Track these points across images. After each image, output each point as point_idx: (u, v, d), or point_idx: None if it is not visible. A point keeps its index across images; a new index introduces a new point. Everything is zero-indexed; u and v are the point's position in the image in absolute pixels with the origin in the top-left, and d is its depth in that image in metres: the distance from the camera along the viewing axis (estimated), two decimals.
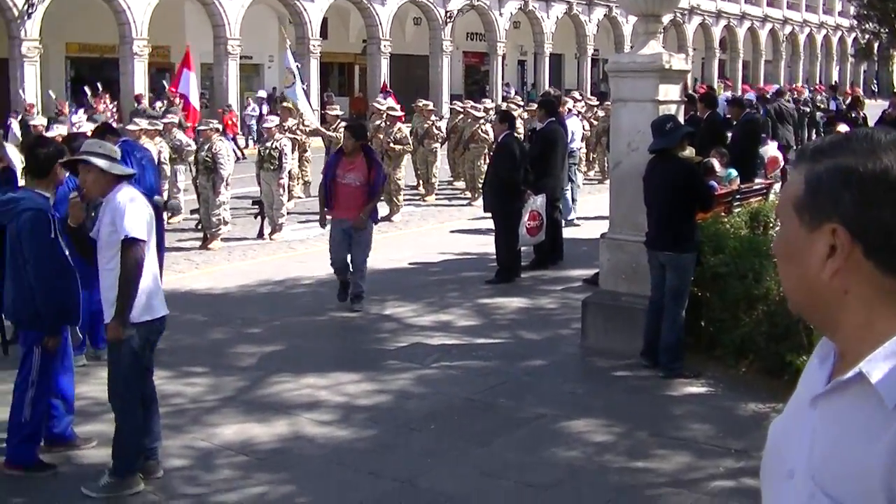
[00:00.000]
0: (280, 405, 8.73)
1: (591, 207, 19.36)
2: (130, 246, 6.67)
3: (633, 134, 9.90)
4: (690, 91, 24.70)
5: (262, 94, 39.63)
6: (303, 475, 7.20)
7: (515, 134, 15.11)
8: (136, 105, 31.84)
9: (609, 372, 9.56)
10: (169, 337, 10.77)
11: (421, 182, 23.38)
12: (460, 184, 24.27)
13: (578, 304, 10.91)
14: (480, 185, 21.90)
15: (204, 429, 8.14)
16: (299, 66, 24.56)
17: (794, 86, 48.82)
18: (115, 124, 18.58)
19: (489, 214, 14.05)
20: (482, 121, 22.03)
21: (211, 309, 12.23)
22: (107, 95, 31.82)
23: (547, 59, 51.53)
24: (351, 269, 12.22)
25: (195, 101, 24.81)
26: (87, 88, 31.87)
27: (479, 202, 21.47)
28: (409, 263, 15.22)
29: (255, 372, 9.70)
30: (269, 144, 18.11)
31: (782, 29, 71.19)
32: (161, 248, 8.93)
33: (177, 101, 26.57)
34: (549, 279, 13.73)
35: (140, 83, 35.17)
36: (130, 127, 17.99)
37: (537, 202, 13.64)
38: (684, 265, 9.16)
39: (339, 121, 21.42)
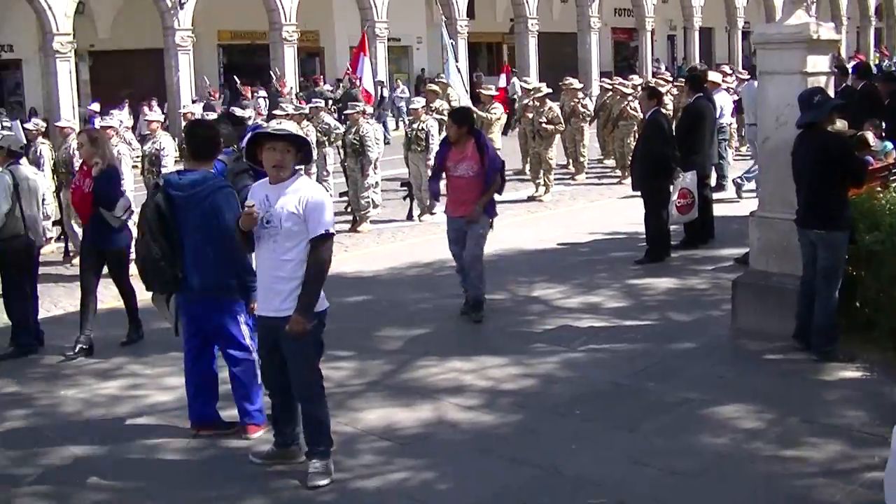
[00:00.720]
0: (424, 389, 8.73)
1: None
2: (326, 241, 6.71)
3: (781, 108, 9.57)
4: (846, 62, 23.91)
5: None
6: (445, 461, 7.17)
7: (663, 110, 14.85)
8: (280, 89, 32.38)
9: (760, 355, 9.28)
10: None
11: (570, 161, 23.21)
12: (610, 162, 24.01)
13: (729, 285, 10.65)
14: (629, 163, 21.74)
15: (348, 413, 8.18)
16: (453, 43, 24.50)
17: None
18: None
19: (638, 193, 13.81)
20: (631, 98, 21.71)
21: (359, 292, 12.31)
22: (283, 80, 32.54)
23: (696, 34, 50.50)
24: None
25: (369, 85, 24.97)
26: (236, 77, 32.64)
27: (629, 180, 21.29)
28: (558, 244, 15.10)
29: (401, 355, 9.73)
30: (415, 126, 18.18)
31: None
32: None
33: (357, 84, 27.01)
34: (700, 258, 13.44)
35: (290, 68, 35.61)
36: (277, 112, 18.23)
37: (687, 179, 13.37)
38: (836, 243, 8.84)
39: (493, 101, 21.35)
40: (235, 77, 33.64)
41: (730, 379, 8.72)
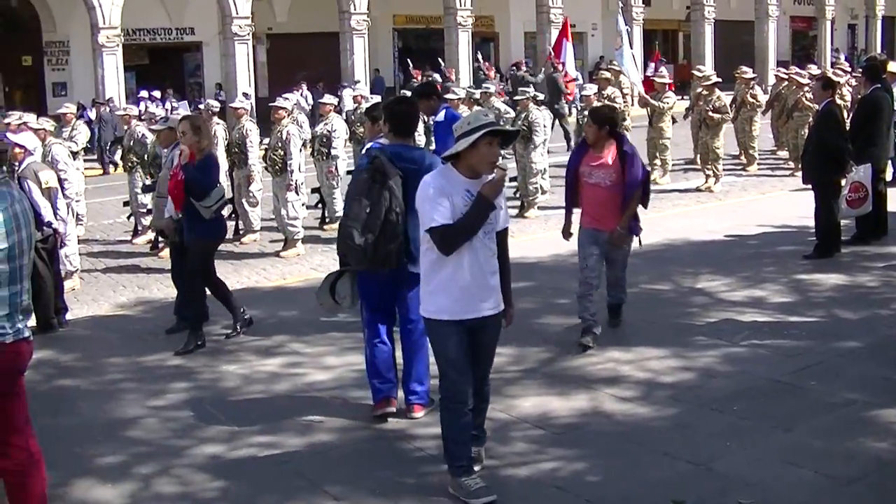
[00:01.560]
0: (581, 379, 8.71)
1: None
2: (507, 233, 6.74)
3: None
4: None
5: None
6: (597, 452, 7.13)
7: (839, 101, 14.45)
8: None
9: None
10: None
11: (741, 151, 22.80)
12: (783, 153, 23.50)
13: None
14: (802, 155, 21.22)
15: (504, 400, 8.17)
16: (628, 29, 24.30)
17: None
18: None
19: (809, 186, 13.48)
20: (807, 88, 21.17)
21: (521, 278, 12.20)
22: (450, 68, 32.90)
23: (879, 23, 48.89)
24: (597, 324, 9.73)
25: (571, 69, 25.01)
26: (409, 61, 32.99)
27: (801, 173, 20.80)
28: (726, 235, 14.86)
29: (560, 344, 9.70)
30: (587, 113, 18.05)
31: None
32: None
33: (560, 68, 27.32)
34: (871, 255, 13.03)
35: (464, 53, 35.83)
36: (448, 96, 18.32)
37: (860, 173, 12.98)
38: None
39: (666, 89, 21.08)
40: (409, 60, 33.99)
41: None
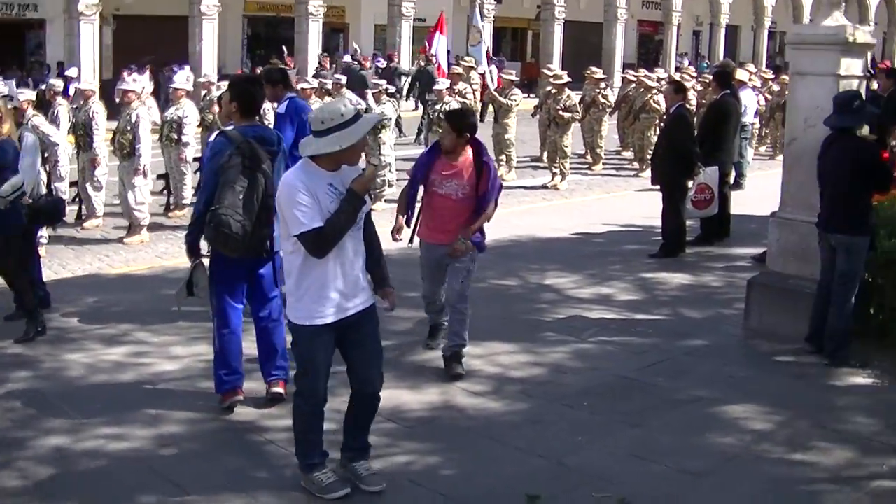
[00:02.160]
0: (432, 373, 8.65)
1: (760, 184, 18.74)
2: (370, 214, 6.60)
3: (810, 109, 9.47)
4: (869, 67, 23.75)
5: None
6: (450, 447, 7.10)
7: (687, 105, 14.75)
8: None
9: (771, 356, 9.21)
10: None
11: (588, 151, 23.11)
12: (628, 154, 23.95)
13: (742, 284, 10.56)
14: (649, 157, 21.63)
15: None
16: (484, 26, 24.35)
17: None
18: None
19: (657, 187, 13.71)
20: (655, 91, 21.60)
21: None
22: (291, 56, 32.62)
23: (723, 31, 50.18)
24: (446, 311, 9.13)
25: (443, 62, 24.88)
26: (284, 48, 32.85)
27: (647, 173, 21.17)
28: (572, 233, 15.04)
29: (409, 337, 9.64)
30: (438, 107, 18.09)
31: None
32: None
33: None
34: (715, 256, 13.37)
35: (314, 43, 35.51)
36: (302, 85, 18.13)
37: (708, 175, 13.27)
38: (857, 248, 8.75)
39: (513, 86, 21.17)
40: (283, 47, 33.64)
41: (740, 379, 8.63)
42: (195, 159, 15.91)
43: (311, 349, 6.26)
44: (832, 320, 8.85)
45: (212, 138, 8.56)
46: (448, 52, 29.14)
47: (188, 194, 16.23)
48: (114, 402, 7.94)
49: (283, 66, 29.66)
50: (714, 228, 14.03)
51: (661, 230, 13.45)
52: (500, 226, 13.47)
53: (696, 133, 13.49)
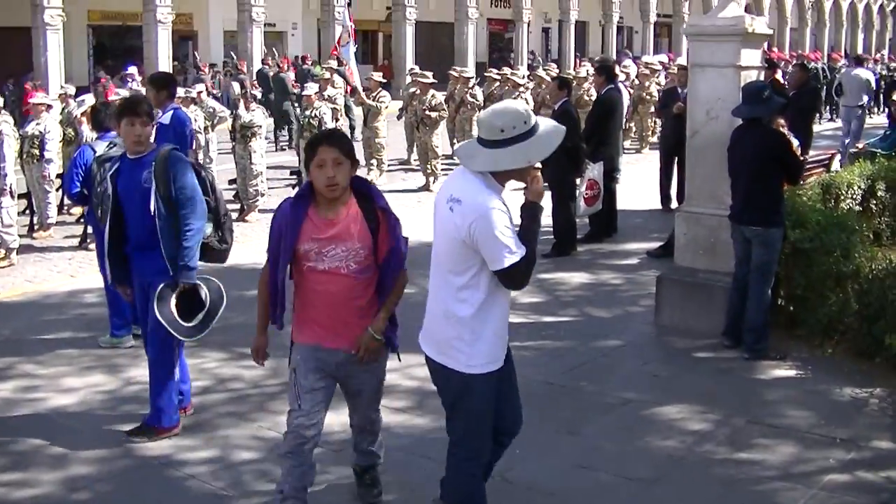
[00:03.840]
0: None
1: (633, 178, 18.70)
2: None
3: (712, 101, 9.39)
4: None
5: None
6: (383, 468, 6.65)
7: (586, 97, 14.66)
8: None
9: (690, 353, 9.08)
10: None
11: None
12: None
13: (644, 280, 10.46)
14: None
15: (269, 416, 7.72)
16: (353, 26, 23.87)
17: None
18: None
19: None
20: (523, 88, 21.54)
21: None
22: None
23: (572, 27, 50.64)
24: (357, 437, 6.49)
25: (354, 66, 24.20)
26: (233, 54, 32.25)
27: None
28: None
29: None
30: (308, 113, 17.64)
31: None
32: None
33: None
34: (607, 252, 13.23)
35: (164, 51, 34.57)
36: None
37: (595, 171, 13.16)
38: (772, 240, 8.67)
39: (381, 88, 20.81)
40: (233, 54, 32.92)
41: (665, 378, 8.48)
42: (57, 176, 15.15)
43: (489, 401, 5.37)
44: (751, 313, 8.77)
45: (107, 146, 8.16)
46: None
47: (53, 213, 15.48)
48: (11, 444, 7.33)
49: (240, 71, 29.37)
50: (603, 225, 13.91)
51: (551, 229, 13.24)
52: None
53: (582, 129, 13.36)
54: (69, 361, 9.12)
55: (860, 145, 16.90)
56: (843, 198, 11.28)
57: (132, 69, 27.94)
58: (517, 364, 8.14)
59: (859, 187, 11.55)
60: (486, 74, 26.05)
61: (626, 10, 54.51)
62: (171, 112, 10.20)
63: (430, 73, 21.58)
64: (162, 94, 10.23)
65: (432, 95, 19.86)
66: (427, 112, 19.55)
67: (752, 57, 9.47)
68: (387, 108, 20.79)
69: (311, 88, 18.39)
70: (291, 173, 18.46)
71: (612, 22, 53.00)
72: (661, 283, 9.90)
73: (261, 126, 17.25)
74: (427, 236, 14.26)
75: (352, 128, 24.58)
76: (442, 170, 20.21)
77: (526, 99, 20.85)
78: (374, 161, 20.37)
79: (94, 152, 9.30)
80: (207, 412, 7.88)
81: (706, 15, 10.75)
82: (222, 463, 6.98)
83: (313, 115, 17.43)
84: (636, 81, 25.13)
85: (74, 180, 9.65)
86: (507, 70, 24.98)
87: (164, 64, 34.02)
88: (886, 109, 23.85)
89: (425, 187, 19.61)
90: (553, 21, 54.67)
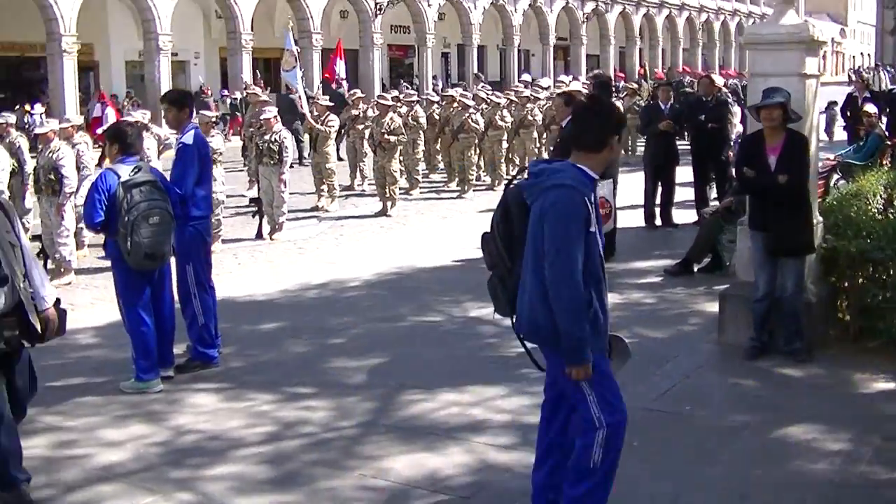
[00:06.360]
0: (438, 428, 7.62)
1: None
2: None
3: None
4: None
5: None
6: None
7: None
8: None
9: (773, 370, 8.70)
10: (242, 352, 9.77)
11: (406, 174, 22.20)
12: (436, 176, 23.50)
13: (677, 298, 10.19)
14: (470, 177, 21.20)
15: (367, 462, 7.02)
16: (299, 50, 23.38)
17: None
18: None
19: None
20: (472, 110, 21.24)
21: (269, 318, 11.15)
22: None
23: (475, 51, 50.67)
24: None
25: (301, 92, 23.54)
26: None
27: (469, 195, 20.74)
28: (454, 260, 14.10)
29: (376, 390, 8.57)
30: (267, 137, 16.91)
31: (699, 17, 71.66)
32: None
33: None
34: (620, 272, 12.64)
35: (70, 82, 33.45)
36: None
37: (604, 188, 12.77)
38: None
39: (328, 112, 20.22)
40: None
41: (769, 398, 8.08)
42: None
43: None
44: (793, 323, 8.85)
45: None
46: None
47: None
48: None
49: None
50: (607, 245, 13.52)
51: None
52: (364, 257, 13.57)
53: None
54: (96, 411, 8.24)
55: (832, 157, 16.89)
56: (869, 207, 11.12)
57: (38, 107, 26.96)
58: None
59: (881, 196, 11.40)
60: (442, 95, 25.75)
61: (523, 33, 54.74)
62: (192, 132, 9.54)
63: (389, 95, 21.20)
64: (184, 113, 9.58)
65: (391, 118, 19.33)
66: (386, 136, 18.99)
67: (814, 65, 9.20)
68: (335, 132, 20.29)
69: (270, 112, 17.69)
70: (251, 201, 17.85)
71: (513, 45, 53.20)
72: (724, 300, 9.53)
73: (221, 153, 16.55)
74: (420, 262, 13.79)
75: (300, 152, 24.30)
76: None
77: (476, 121, 20.77)
78: (324, 187, 19.80)
79: (118, 177, 8.58)
80: (292, 462, 7.11)
81: (764, 23, 10.49)
82: None
83: (273, 139, 16.75)
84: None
85: (98, 207, 8.78)
86: (458, 91, 24.68)
87: (71, 95, 33.04)
88: (845, 124, 23.82)
89: (382, 212, 19.04)
90: (452, 46, 54.63)
